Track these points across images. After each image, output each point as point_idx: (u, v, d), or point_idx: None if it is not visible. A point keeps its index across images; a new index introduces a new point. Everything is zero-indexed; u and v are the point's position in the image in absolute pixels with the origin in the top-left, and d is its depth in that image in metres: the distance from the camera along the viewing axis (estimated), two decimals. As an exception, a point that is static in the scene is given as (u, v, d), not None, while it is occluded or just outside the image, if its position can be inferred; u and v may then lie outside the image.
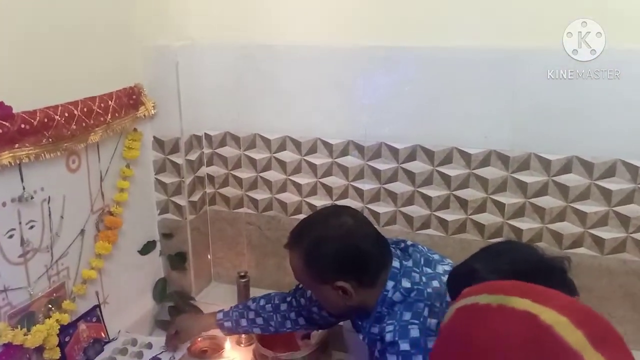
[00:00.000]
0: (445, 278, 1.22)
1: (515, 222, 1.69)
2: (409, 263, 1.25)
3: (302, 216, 1.87)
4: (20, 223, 1.34)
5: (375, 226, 1.78)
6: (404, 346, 1.14)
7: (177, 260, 1.94)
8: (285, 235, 1.31)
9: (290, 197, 1.91)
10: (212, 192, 2.01)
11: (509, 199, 1.67)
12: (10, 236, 1.32)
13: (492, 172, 1.67)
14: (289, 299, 1.53)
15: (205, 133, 1.94)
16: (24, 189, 1.33)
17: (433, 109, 1.68)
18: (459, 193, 1.72)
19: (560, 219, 1.64)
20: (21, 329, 1.34)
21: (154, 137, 1.82)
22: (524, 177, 1.64)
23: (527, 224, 1.68)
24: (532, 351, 0.54)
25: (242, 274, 1.91)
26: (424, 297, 1.18)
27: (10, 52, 1.27)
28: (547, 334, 0.54)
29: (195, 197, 1.93)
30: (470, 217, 1.73)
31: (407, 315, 1.17)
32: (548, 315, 0.56)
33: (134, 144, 1.70)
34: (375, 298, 1.22)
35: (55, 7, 1.39)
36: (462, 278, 1.03)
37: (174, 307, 1.92)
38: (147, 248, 1.87)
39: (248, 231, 2.00)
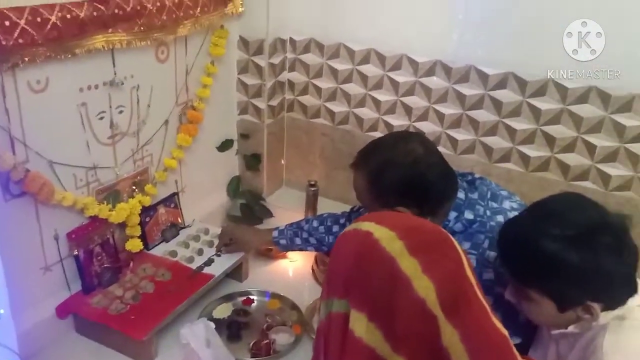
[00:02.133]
0: (511, 214, 1.19)
1: (604, 167, 1.58)
2: (475, 195, 1.22)
3: (377, 134, 1.86)
4: (110, 107, 1.42)
5: (452, 153, 1.75)
6: None
7: (252, 161, 2.00)
8: (358, 150, 1.30)
9: (367, 112, 1.88)
10: (291, 99, 2.01)
11: (602, 141, 1.56)
12: (101, 118, 1.40)
13: (589, 110, 1.55)
14: (342, 221, 1.55)
15: (290, 37, 1.91)
16: (115, 74, 1.39)
17: (533, 33, 1.55)
18: (548, 129, 1.61)
19: (655, 169, 1.52)
20: (107, 205, 1.46)
21: (240, 36, 1.82)
22: (623, 119, 1.51)
23: (617, 170, 1.57)
24: (360, 258, 0.72)
25: (312, 183, 1.94)
26: (486, 230, 1.16)
27: None
28: (373, 246, 0.71)
29: (275, 102, 1.95)
30: (555, 155, 1.63)
31: (466, 245, 1.16)
32: (380, 232, 0.72)
33: (220, 41, 1.70)
34: None
35: None
36: (510, 236, 1.02)
37: (246, 204, 2.01)
38: (224, 146, 1.93)
39: (322, 142, 2.01)
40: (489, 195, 1.23)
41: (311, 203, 1.95)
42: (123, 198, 1.53)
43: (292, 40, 1.91)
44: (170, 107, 1.63)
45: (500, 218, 1.18)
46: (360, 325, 0.68)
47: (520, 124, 1.65)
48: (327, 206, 1.94)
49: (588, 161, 1.60)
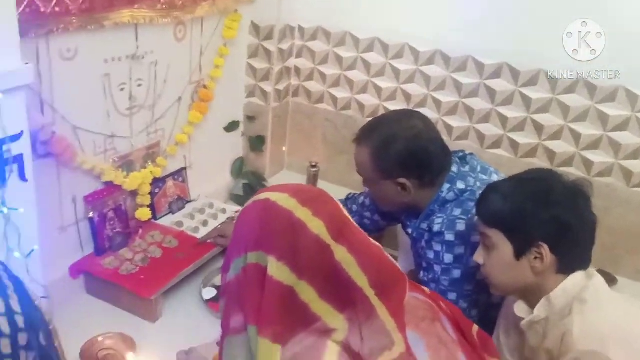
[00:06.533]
0: None
1: (588, 154, 1.69)
2: (466, 169, 1.34)
3: (378, 119, 1.95)
4: (130, 79, 1.50)
5: (447, 139, 1.84)
6: (449, 237, 1.25)
7: (257, 143, 2.09)
8: (360, 132, 1.39)
9: (369, 99, 1.98)
10: (296, 85, 2.10)
11: (587, 130, 1.67)
12: (122, 89, 1.49)
13: (575, 100, 1.66)
14: None
15: (299, 25, 2.00)
16: (137, 48, 1.48)
17: (525, 25, 1.65)
18: (537, 117, 1.72)
19: (634, 156, 1.63)
20: (122, 172, 1.54)
21: (252, 21, 1.92)
22: (607, 109, 1.62)
23: (599, 157, 1.68)
24: (265, 217, 0.90)
25: (313, 164, 2.03)
26: (476, 198, 1.26)
27: None
28: (272, 206, 0.90)
29: (281, 87, 2.04)
30: (543, 142, 1.74)
31: (457, 211, 1.27)
32: (275, 196, 0.91)
33: (233, 24, 1.80)
34: (429, 198, 1.32)
35: None
36: (491, 186, 1.19)
37: (248, 184, 2.09)
38: (231, 126, 2.02)
39: (325, 127, 2.10)
40: (479, 169, 1.35)
41: (311, 184, 2.04)
42: (136, 168, 1.61)
43: (300, 28, 2.00)
44: (184, 85, 1.72)
45: None
46: (271, 266, 0.87)
47: (513, 112, 1.75)
48: (327, 189, 1.92)
49: (573, 148, 1.71)
